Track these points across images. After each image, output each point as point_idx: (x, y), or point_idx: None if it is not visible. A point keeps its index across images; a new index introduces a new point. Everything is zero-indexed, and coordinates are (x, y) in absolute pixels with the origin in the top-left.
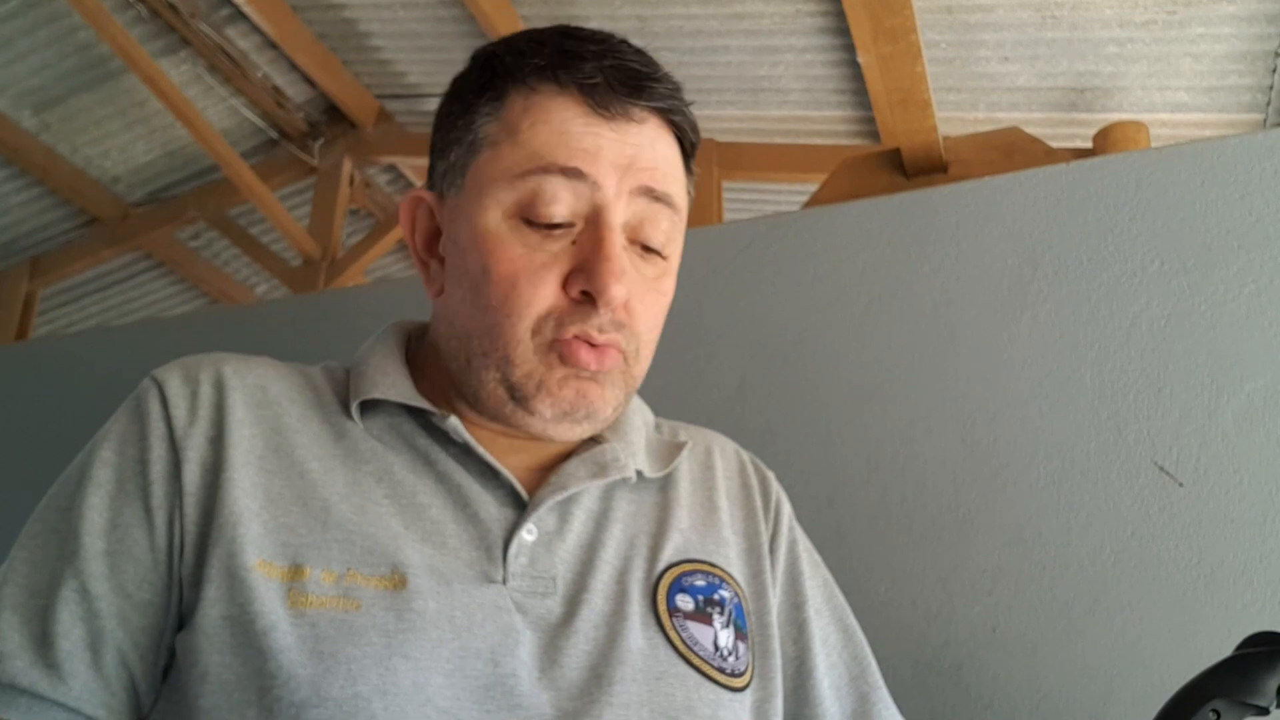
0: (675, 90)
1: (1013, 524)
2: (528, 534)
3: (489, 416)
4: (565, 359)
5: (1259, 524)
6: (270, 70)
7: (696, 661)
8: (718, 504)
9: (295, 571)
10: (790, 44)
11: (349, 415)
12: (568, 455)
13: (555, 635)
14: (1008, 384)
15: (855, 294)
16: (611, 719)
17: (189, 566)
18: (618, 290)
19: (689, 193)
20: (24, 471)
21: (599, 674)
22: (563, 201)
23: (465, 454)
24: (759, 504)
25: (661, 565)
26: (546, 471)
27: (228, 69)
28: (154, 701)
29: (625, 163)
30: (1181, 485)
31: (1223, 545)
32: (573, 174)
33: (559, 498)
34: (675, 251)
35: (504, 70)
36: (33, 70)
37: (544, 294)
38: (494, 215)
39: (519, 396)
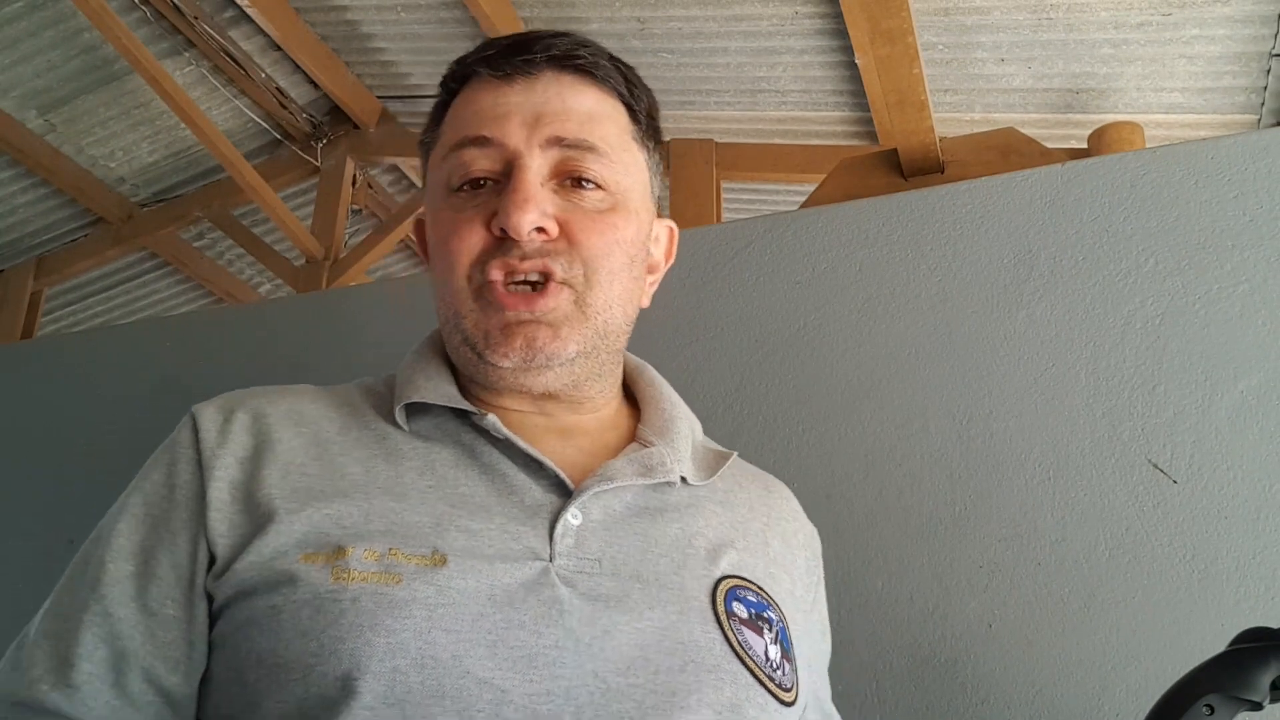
0: (580, 43)
1: (1008, 520)
2: (573, 518)
3: (485, 386)
4: (498, 304)
5: (1252, 520)
6: (274, 71)
7: (751, 665)
8: (769, 540)
9: (338, 552)
10: (788, 45)
11: (392, 422)
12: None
13: (606, 609)
14: (1003, 382)
15: (853, 293)
16: (655, 702)
17: (230, 576)
18: (519, 216)
19: (639, 125)
20: (28, 470)
21: (647, 656)
22: (478, 164)
23: (509, 446)
24: (805, 559)
25: (720, 571)
26: (593, 469)
27: (232, 70)
28: (198, 702)
29: (532, 118)
30: (1175, 482)
31: (1216, 541)
32: (480, 141)
33: (604, 487)
34: (620, 184)
35: (444, 90)
36: (38, 71)
37: (471, 241)
38: (435, 198)
39: (478, 350)
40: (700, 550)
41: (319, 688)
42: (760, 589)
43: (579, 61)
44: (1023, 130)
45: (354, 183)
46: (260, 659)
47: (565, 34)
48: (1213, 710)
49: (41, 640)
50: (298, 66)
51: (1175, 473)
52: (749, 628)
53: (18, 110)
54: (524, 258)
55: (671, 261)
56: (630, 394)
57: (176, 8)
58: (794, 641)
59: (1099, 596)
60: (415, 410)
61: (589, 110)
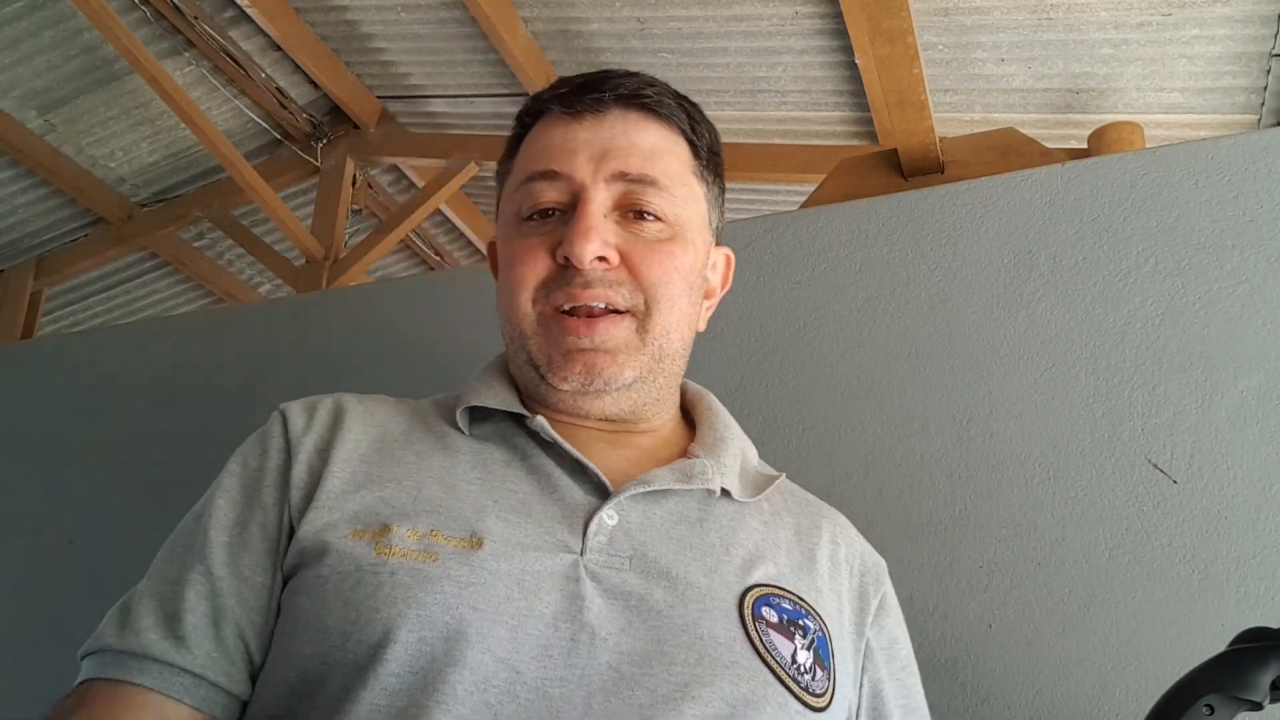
0: (647, 83)
1: (1008, 520)
2: (609, 518)
3: (547, 406)
4: (561, 330)
5: (1252, 520)
6: (274, 72)
7: (772, 664)
8: (816, 558)
9: (384, 530)
10: (788, 45)
11: (454, 426)
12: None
13: (626, 606)
14: (1003, 382)
15: (853, 293)
16: (666, 691)
17: (294, 545)
18: (582, 245)
19: (700, 160)
20: (28, 470)
21: (664, 650)
22: (546, 196)
23: (557, 450)
24: (856, 585)
25: (753, 580)
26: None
27: (232, 70)
28: (265, 659)
29: (599, 153)
30: (1175, 482)
31: (1216, 541)
32: (550, 175)
33: (642, 490)
34: (679, 218)
35: (519, 124)
36: (38, 72)
37: (537, 267)
38: (507, 225)
39: (541, 372)
40: (736, 559)
41: (354, 653)
42: (800, 599)
43: (645, 100)
44: (1023, 130)
45: (354, 183)
46: (306, 624)
47: (634, 74)
48: (1213, 710)
49: (148, 600)
50: (298, 66)
51: (1175, 473)
52: (778, 631)
53: (18, 110)
54: (586, 286)
55: (728, 288)
56: (689, 419)
57: (176, 8)
58: (836, 654)
59: (1099, 596)
60: (477, 417)
61: (652, 146)
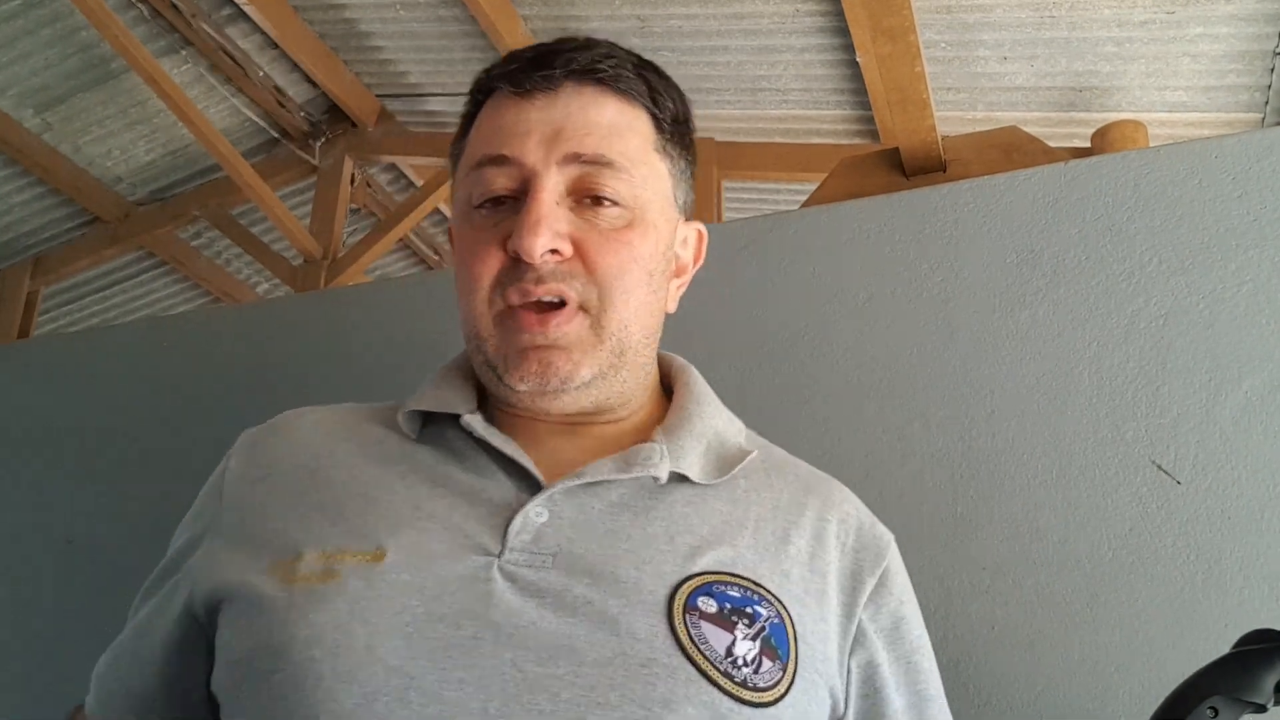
0: (603, 54)
1: (1011, 521)
2: (536, 515)
3: (507, 405)
4: (516, 328)
5: (1256, 521)
6: (271, 70)
7: (698, 659)
8: (791, 537)
9: (296, 557)
10: (789, 44)
11: (403, 434)
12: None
13: (543, 600)
14: (1006, 382)
15: (854, 292)
16: (571, 697)
17: (214, 591)
18: (531, 240)
19: (663, 133)
20: (24, 470)
21: (574, 646)
22: (496, 182)
23: (490, 447)
24: (850, 563)
25: (697, 568)
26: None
27: (229, 69)
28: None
29: (552, 134)
30: (1179, 483)
31: (1220, 543)
32: (499, 160)
33: (572, 483)
34: (638, 199)
35: (471, 102)
36: (35, 70)
37: (490, 263)
38: (459, 213)
39: (498, 372)
40: (681, 547)
41: (255, 682)
42: (754, 584)
43: (600, 74)
44: (1025, 129)
45: (352, 182)
46: (223, 659)
47: (589, 44)
48: (1217, 713)
49: (104, 657)
50: (296, 65)
51: (1179, 473)
52: (713, 623)
53: (14, 109)
54: (539, 281)
55: (700, 263)
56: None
57: (174, 6)
58: (801, 640)
59: (1102, 598)
60: (429, 419)
61: (609, 123)
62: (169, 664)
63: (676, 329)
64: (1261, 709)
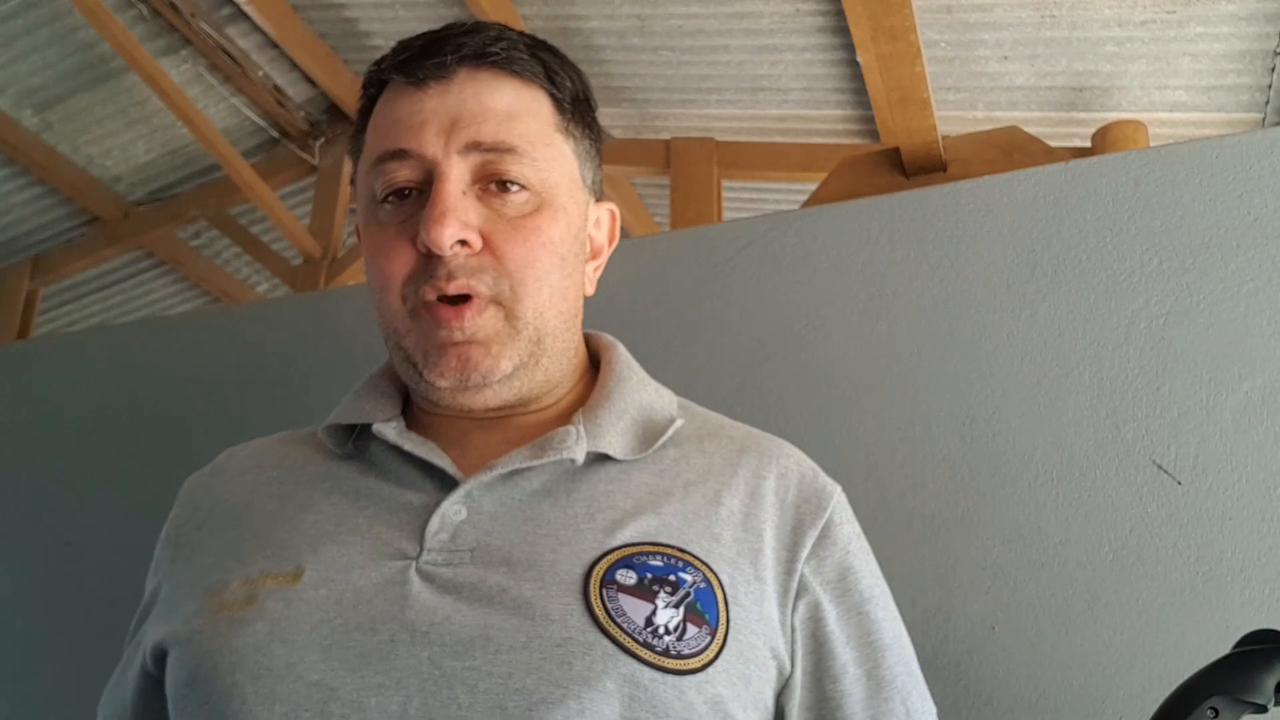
0: (494, 38)
1: (1011, 522)
2: (455, 513)
3: (433, 403)
4: (433, 323)
5: (1257, 522)
6: (271, 69)
7: (614, 632)
8: (722, 499)
9: (222, 589)
10: (790, 43)
11: (327, 452)
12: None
13: (456, 598)
14: (1006, 382)
15: (854, 293)
16: (489, 687)
17: (159, 640)
18: (439, 232)
19: (564, 114)
20: (23, 471)
21: (489, 635)
22: (399, 175)
23: (403, 452)
24: (790, 517)
25: (617, 542)
26: None
27: (228, 68)
28: None
29: (449, 123)
30: (1180, 483)
31: (1221, 543)
32: (399, 154)
33: (487, 476)
34: (544, 182)
35: (364, 96)
36: (34, 69)
37: (401, 259)
38: (364, 209)
39: (418, 369)
40: (599, 524)
41: (189, 711)
42: (680, 550)
43: (493, 57)
44: (1026, 129)
45: (352, 181)
46: (170, 699)
47: (479, 27)
48: (1217, 713)
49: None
50: (295, 64)
51: (1180, 474)
52: (632, 594)
53: (13, 108)
54: (450, 277)
55: (615, 244)
56: None
57: (173, 5)
58: (732, 601)
59: (1102, 598)
60: (354, 432)
61: (507, 108)
62: (138, 714)
63: (677, 329)
64: (1262, 709)
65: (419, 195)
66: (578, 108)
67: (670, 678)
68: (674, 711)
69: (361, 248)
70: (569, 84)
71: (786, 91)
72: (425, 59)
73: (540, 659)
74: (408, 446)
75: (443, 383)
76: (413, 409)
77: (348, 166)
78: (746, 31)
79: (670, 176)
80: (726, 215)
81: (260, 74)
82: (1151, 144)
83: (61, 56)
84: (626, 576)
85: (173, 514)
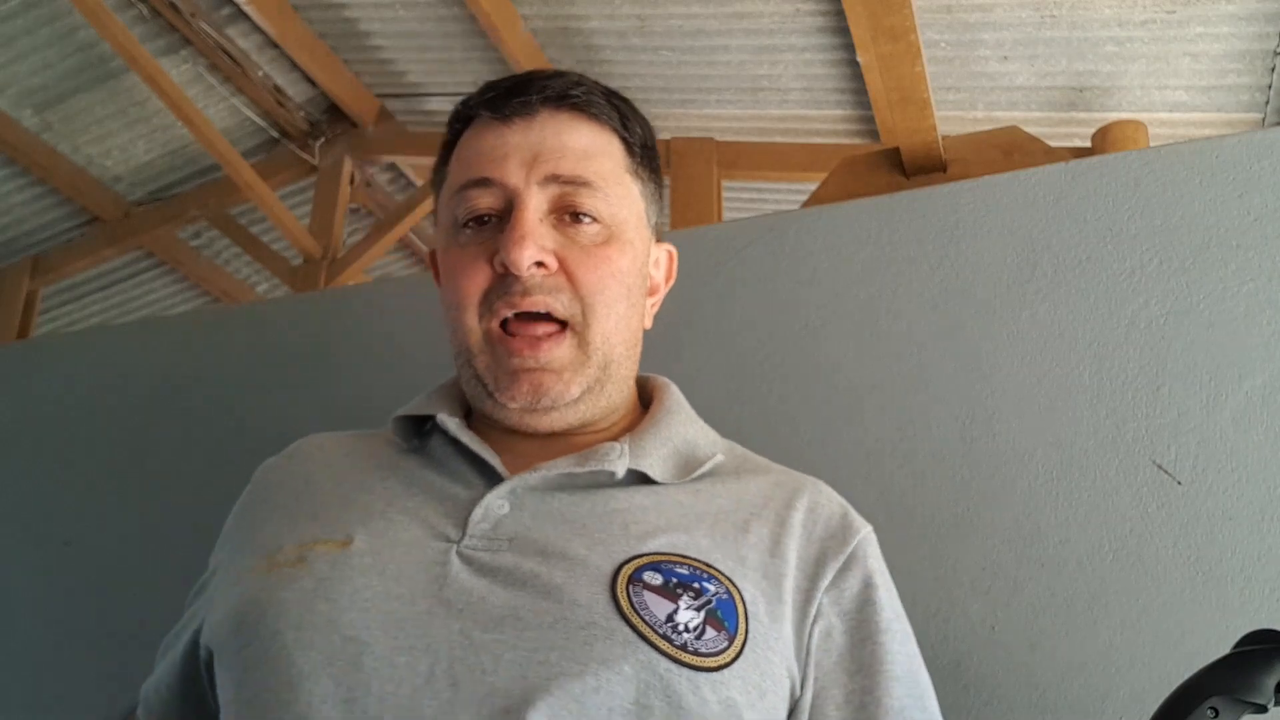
0: (574, 83)
1: (1011, 522)
2: (498, 507)
3: (495, 420)
4: (506, 352)
5: (1257, 522)
6: (271, 69)
7: (636, 622)
8: (751, 527)
9: (276, 551)
10: (790, 43)
11: (396, 445)
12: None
13: (495, 578)
14: (1006, 382)
15: (855, 293)
16: (514, 658)
17: (213, 614)
18: (518, 252)
19: (634, 157)
20: (23, 471)
21: (519, 615)
22: (481, 202)
23: (464, 449)
24: (815, 551)
25: (647, 549)
26: None
27: (228, 68)
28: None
29: (531, 157)
30: (1180, 484)
31: (1221, 543)
32: (483, 182)
33: (530, 477)
34: (615, 217)
35: (449, 130)
36: (34, 69)
37: (478, 279)
38: (444, 235)
39: (489, 389)
40: (632, 533)
41: (230, 653)
42: (704, 564)
43: (574, 100)
44: (1026, 129)
45: (352, 181)
46: (215, 645)
47: (562, 74)
48: (1217, 713)
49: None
50: (295, 64)
51: (1180, 474)
52: (656, 593)
53: (13, 108)
54: (525, 293)
55: (672, 283)
56: None
57: (173, 5)
58: (753, 618)
59: (1102, 598)
60: (420, 432)
61: (584, 147)
62: (179, 686)
63: (677, 329)
64: (1262, 709)
65: (498, 222)
66: (645, 154)
67: (686, 671)
68: (688, 704)
69: (439, 268)
70: (639, 131)
71: (786, 91)
72: (511, 98)
73: (564, 639)
74: (464, 439)
75: (514, 405)
76: (474, 420)
77: (348, 166)
78: (746, 31)
79: (670, 176)
80: (726, 215)
81: (260, 74)
82: (1151, 144)
83: (61, 56)
84: (653, 578)
85: (244, 494)
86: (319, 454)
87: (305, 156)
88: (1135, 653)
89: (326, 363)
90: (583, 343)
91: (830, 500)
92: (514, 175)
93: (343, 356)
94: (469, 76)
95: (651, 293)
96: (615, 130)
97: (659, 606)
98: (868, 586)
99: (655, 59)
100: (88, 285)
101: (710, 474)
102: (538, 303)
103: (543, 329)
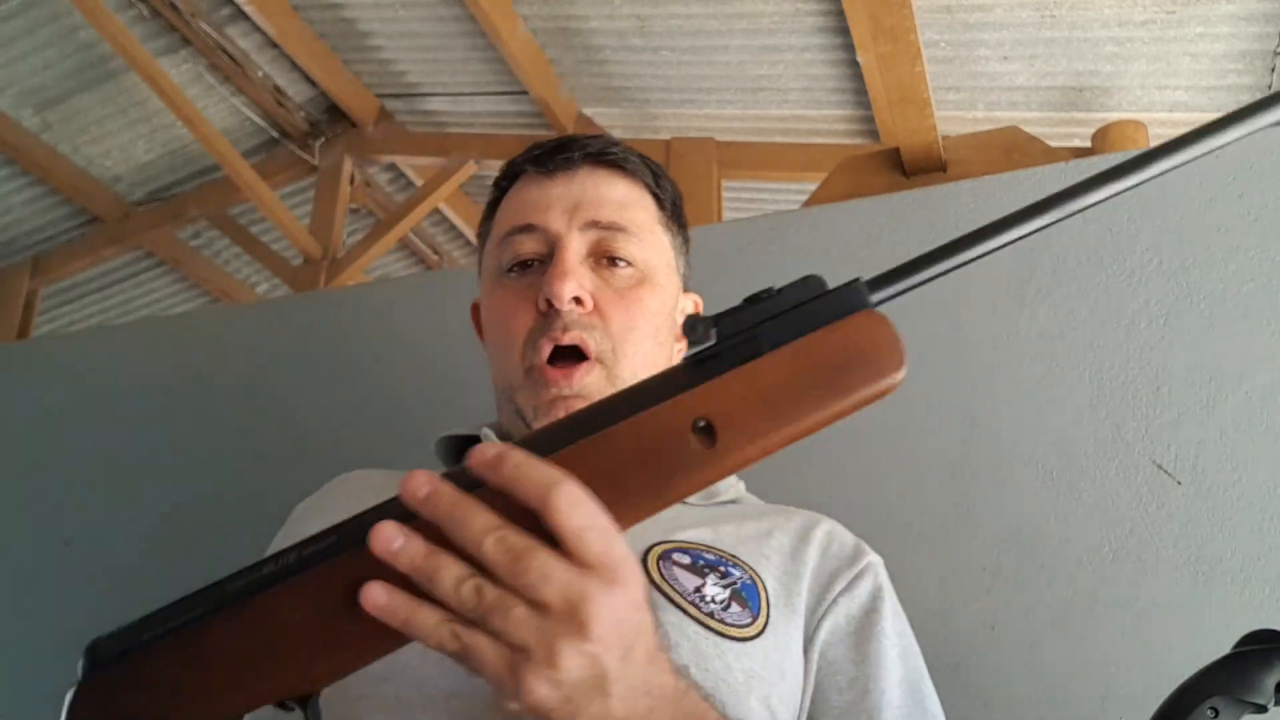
0: (611, 143)
1: (1011, 522)
2: None
3: None
4: (543, 382)
5: (1257, 522)
6: (271, 69)
7: (666, 589)
8: (772, 534)
9: None
10: (790, 43)
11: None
12: None
13: None
14: (1007, 382)
15: None
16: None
17: None
18: (560, 286)
19: (665, 211)
20: (23, 470)
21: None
22: (525, 247)
23: None
24: (828, 568)
25: (677, 537)
26: None
27: (228, 68)
28: None
29: (572, 205)
30: (1180, 483)
31: (1221, 543)
32: (527, 228)
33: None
34: (648, 262)
35: (496, 189)
36: (34, 70)
37: (523, 319)
38: (490, 280)
39: (526, 420)
40: (660, 525)
41: None
42: (732, 555)
43: (612, 157)
44: (1026, 129)
45: (352, 181)
46: None
47: (600, 136)
48: (1217, 713)
49: None
50: (295, 64)
51: (1179, 474)
52: (685, 570)
53: (13, 109)
54: (565, 329)
55: None
56: None
57: (173, 5)
58: (775, 607)
59: (1102, 598)
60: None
61: (620, 198)
62: None
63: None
64: (1262, 709)
65: (540, 266)
66: (675, 210)
67: (713, 636)
68: (713, 667)
69: (483, 313)
70: (669, 189)
71: (786, 91)
72: (555, 155)
73: None
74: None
75: None
76: None
77: (347, 166)
78: (746, 31)
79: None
80: (726, 215)
81: (260, 74)
82: (1151, 144)
83: (61, 56)
84: (682, 558)
85: (280, 531)
86: (353, 487)
87: (305, 156)
88: (1135, 653)
89: (326, 363)
90: (612, 375)
91: (844, 533)
92: (556, 222)
93: (343, 356)
94: (469, 76)
95: (679, 339)
96: (648, 186)
97: (687, 579)
98: (874, 599)
99: (655, 59)
100: (88, 285)
101: (734, 500)
102: (574, 337)
103: (575, 363)
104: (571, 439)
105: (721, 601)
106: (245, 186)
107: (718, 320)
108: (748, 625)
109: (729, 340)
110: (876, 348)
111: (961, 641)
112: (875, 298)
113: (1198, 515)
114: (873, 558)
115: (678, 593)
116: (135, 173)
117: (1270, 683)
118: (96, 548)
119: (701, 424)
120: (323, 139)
